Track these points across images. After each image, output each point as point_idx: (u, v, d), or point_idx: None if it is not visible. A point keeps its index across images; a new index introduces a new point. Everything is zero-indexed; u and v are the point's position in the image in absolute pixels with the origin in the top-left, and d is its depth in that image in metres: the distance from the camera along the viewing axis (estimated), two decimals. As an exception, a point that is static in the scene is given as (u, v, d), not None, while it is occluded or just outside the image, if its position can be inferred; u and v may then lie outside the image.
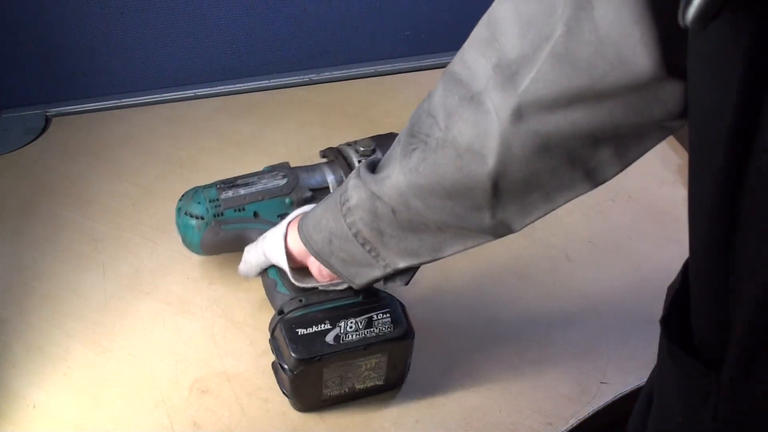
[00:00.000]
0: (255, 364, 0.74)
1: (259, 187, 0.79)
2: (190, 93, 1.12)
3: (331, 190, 0.80)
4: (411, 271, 0.63)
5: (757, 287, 0.38)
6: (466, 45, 0.51)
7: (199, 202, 0.78)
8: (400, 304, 0.69)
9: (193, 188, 0.80)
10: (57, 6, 1.00)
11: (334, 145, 0.86)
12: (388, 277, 0.63)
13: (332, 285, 0.68)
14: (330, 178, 0.82)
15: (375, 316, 0.67)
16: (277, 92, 1.13)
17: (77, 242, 0.87)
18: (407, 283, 0.64)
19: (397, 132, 0.60)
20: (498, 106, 0.48)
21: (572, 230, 0.91)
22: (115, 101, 1.09)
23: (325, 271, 0.65)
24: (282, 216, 0.77)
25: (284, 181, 0.80)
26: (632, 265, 0.87)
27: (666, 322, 0.48)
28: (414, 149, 0.54)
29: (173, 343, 0.76)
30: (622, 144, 0.49)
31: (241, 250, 0.76)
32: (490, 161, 0.50)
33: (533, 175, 0.51)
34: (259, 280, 0.75)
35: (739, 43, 0.34)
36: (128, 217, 0.90)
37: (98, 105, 1.09)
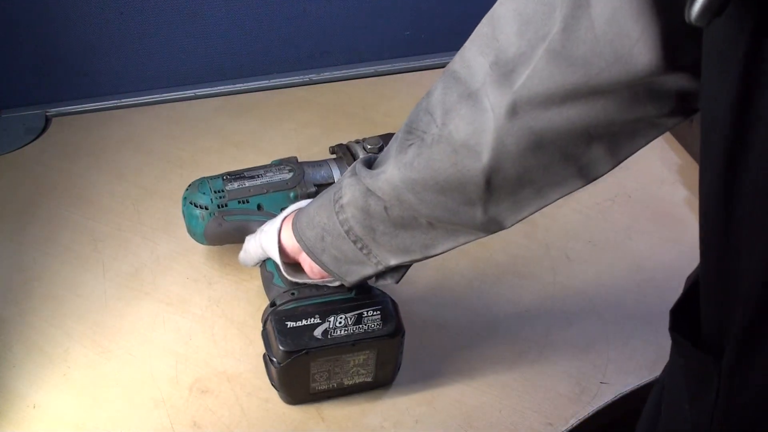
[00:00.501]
0: (255, 364, 0.74)
1: (264, 180, 0.80)
2: (190, 93, 1.12)
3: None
4: (402, 269, 0.63)
5: (756, 274, 0.39)
6: (467, 43, 0.52)
7: (204, 193, 0.78)
8: (392, 301, 0.69)
9: (200, 178, 0.81)
10: (57, 6, 1.00)
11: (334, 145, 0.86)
12: (380, 275, 0.64)
13: (324, 282, 0.68)
14: (336, 174, 0.83)
15: (365, 313, 0.67)
16: (277, 92, 1.13)
17: (77, 242, 0.87)
18: (398, 281, 0.65)
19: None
20: (494, 103, 0.48)
21: (572, 230, 0.90)
22: (115, 101, 1.10)
23: (317, 268, 0.65)
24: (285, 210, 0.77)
25: (290, 175, 0.80)
26: (632, 265, 0.87)
27: (674, 311, 0.49)
28: (410, 145, 0.55)
29: (173, 343, 0.76)
30: (614, 141, 0.50)
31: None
32: (484, 157, 0.50)
33: (526, 171, 0.51)
34: (260, 280, 0.75)
35: (739, 41, 0.34)
36: (128, 217, 0.90)
37: (98, 105, 1.09)
